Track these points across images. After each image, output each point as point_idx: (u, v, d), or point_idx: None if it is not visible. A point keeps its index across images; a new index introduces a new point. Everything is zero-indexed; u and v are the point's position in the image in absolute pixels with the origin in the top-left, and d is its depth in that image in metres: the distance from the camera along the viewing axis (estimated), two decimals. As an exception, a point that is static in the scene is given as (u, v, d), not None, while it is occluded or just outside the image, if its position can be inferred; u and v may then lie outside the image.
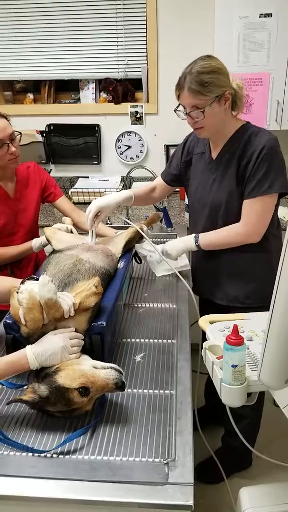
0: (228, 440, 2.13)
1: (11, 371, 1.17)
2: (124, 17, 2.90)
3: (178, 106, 1.64)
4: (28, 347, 1.19)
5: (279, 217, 2.72)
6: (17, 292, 1.21)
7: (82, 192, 2.93)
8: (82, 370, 1.15)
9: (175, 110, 1.64)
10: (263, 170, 1.58)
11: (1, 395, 1.30)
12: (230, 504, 1.86)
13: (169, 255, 1.82)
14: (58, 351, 1.18)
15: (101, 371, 1.16)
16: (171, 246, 1.83)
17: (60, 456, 1.10)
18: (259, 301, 1.74)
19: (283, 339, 0.88)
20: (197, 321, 1.53)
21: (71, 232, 1.84)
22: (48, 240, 1.73)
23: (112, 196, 1.77)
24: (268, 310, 0.90)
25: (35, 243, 1.89)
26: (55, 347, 1.18)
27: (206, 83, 1.52)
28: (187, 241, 1.80)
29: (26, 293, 1.18)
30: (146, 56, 2.97)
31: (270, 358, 0.92)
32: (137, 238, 1.84)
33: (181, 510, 1.00)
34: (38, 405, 1.16)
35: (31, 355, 1.17)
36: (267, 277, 1.74)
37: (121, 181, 3.12)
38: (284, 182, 1.62)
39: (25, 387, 1.22)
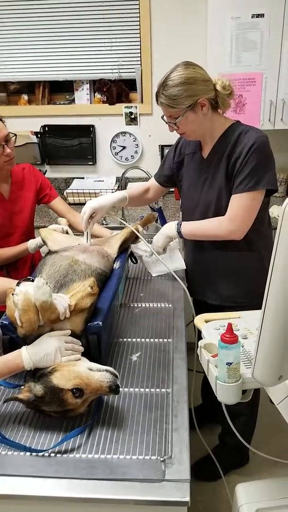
0: (225, 438, 2.14)
1: (6, 371, 1.18)
2: (117, 18, 2.91)
3: (163, 115, 1.67)
4: (24, 347, 1.20)
5: (271, 216, 2.75)
6: (12, 294, 1.22)
7: (78, 193, 2.94)
8: (77, 372, 1.16)
9: (162, 117, 1.67)
10: (251, 165, 1.58)
11: (-1, 396, 1.31)
12: (227, 501, 1.87)
13: (156, 246, 1.83)
14: (52, 352, 1.18)
15: (96, 374, 1.17)
16: (155, 240, 1.85)
17: (58, 455, 1.11)
18: (252, 299, 1.74)
19: (275, 336, 0.89)
20: (193, 320, 1.54)
21: (67, 233, 1.85)
22: (43, 241, 1.74)
23: (107, 197, 1.78)
24: (261, 308, 0.91)
25: (31, 244, 1.90)
26: (49, 348, 1.19)
27: (175, 96, 1.53)
28: (168, 228, 1.80)
29: (21, 295, 1.18)
30: (140, 57, 2.98)
31: (263, 355, 0.93)
32: (133, 238, 1.85)
33: (178, 507, 1.02)
34: (34, 404, 1.17)
35: (26, 354, 1.18)
36: (259, 275, 1.74)
37: (116, 182, 3.13)
38: (272, 179, 1.62)
39: (22, 386, 1.22)
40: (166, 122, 1.66)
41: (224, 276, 1.80)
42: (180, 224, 1.76)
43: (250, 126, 1.67)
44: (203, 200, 1.74)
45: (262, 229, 1.74)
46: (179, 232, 1.75)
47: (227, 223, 1.65)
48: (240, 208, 1.63)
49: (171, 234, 1.79)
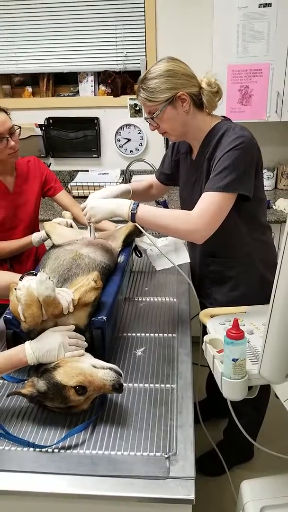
0: (230, 433, 2.13)
1: (10, 366, 1.17)
2: (122, 9, 2.87)
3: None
4: (27, 342, 1.20)
5: (277, 209, 2.72)
6: (15, 289, 1.21)
7: (82, 186, 2.92)
8: (81, 369, 1.15)
9: (146, 119, 1.60)
10: (223, 165, 1.46)
11: (2, 390, 1.31)
12: (232, 496, 1.87)
13: (94, 215, 1.52)
14: (56, 348, 1.17)
15: (99, 371, 1.15)
16: (94, 212, 1.52)
17: (62, 451, 1.10)
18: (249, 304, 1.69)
19: (283, 333, 0.88)
20: (198, 314, 1.53)
21: (71, 226, 1.83)
22: (47, 234, 1.72)
23: (110, 190, 1.74)
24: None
25: (35, 237, 1.89)
26: (52, 343, 1.18)
27: (152, 89, 1.48)
28: (119, 205, 1.49)
29: (24, 290, 1.17)
30: (145, 48, 2.95)
31: (271, 353, 0.92)
32: (137, 232, 1.83)
33: (183, 504, 1.01)
34: (36, 400, 1.17)
35: (29, 349, 1.17)
36: (253, 281, 1.70)
37: (121, 175, 3.11)
38: (244, 183, 1.46)
39: (26, 381, 1.22)
40: (146, 120, 1.58)
41: (215, 282, 1.76)
42: (138, 205, 1.47)
43: (231, 125, 1.54)
44: (194, 203, 1.58)
45: (255, 234, 1.66)
46: (132, 214, 1.46)
47: (195, 219, 1.45)
48: (211, 205, 1.44)
49: (119, 213, 1.48)
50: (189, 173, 1.70)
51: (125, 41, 2.96)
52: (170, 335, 1.54)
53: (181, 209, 1.74)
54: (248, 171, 1.47)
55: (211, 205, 1.45)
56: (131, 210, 1.46)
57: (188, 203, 1.70)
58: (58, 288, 1.26)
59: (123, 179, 3.08)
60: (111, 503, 1.03)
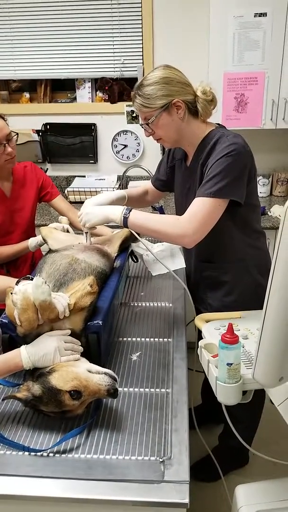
0: (226, 439, 2.13)
1: (5, 370, 1.17)
2: (120, 16, 2.90)
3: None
4: (23, 346, 1.20)
5: (272, 215, 2.74)
6: (11, 293, 1.22)
7: (79, 191, 2.94)
8: (76, 373, 1.15)
9: (141, 125, 1.62)
10: (215, 172, 1.47)
11: (-2, 395, 1.31)
12: (227, 501, 1.87)
13: (88, 221, 1.56)
14: (51, 352, 1.18)
15: (95, 376, 1.16)
16: (89, 217, 1.56)
17: (57, 455, 1.10)
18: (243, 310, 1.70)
19: (276, 337, 0.89)
20: (193, 319, 1.54)
21: (67, 231, 1.84)
22: (44, 239, 1.73)
23: (105, 196, 1.74)
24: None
25: (31, 242, 1.89)
26: (48, 348, 1.18)
27: (148, 95, 1.50)
28: (113, 211, 1.53)
29: (20, 294, 1.18)
30: (142, 55, 2.97)
31: (264, 356, 0.93)
32: (133, 237, 1.84)
33: (177, 508, 1.01)
34: (31, 404, 1.17)
35: (25, 354, 1.17)
36: (248, 286, 1.71)
37: (117, 180, 3.12)
38: (235, 189, 1.48)
39: (21, 385, 1.22)
40: (141, 126, 1.60)
41: (210, 288, 1.77)
42: (130, 211, 1.51)
43: (225, 133, 1.55)
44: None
45: (247, 239, 1.67)
46: (125, 218, 1.50)
47: (184, 223, 1.47)
48: (200, 210, 1.47)
49: (112, 218, 1.53)
50: (184, 179, 1.72)
51: (122, 48, 2.99)
52: (165, 340, 1.55)
53: (176, 215, 1.76)
54: (240, 178, 1.49)
55: (201, 210, 1.47)
56: (124, 215, 1.50)
57: (182, 209, 1.70)
58: (54, 293, 1.26)
59: (119, 185, 3.10)
60: (105, 507, 1.04)
